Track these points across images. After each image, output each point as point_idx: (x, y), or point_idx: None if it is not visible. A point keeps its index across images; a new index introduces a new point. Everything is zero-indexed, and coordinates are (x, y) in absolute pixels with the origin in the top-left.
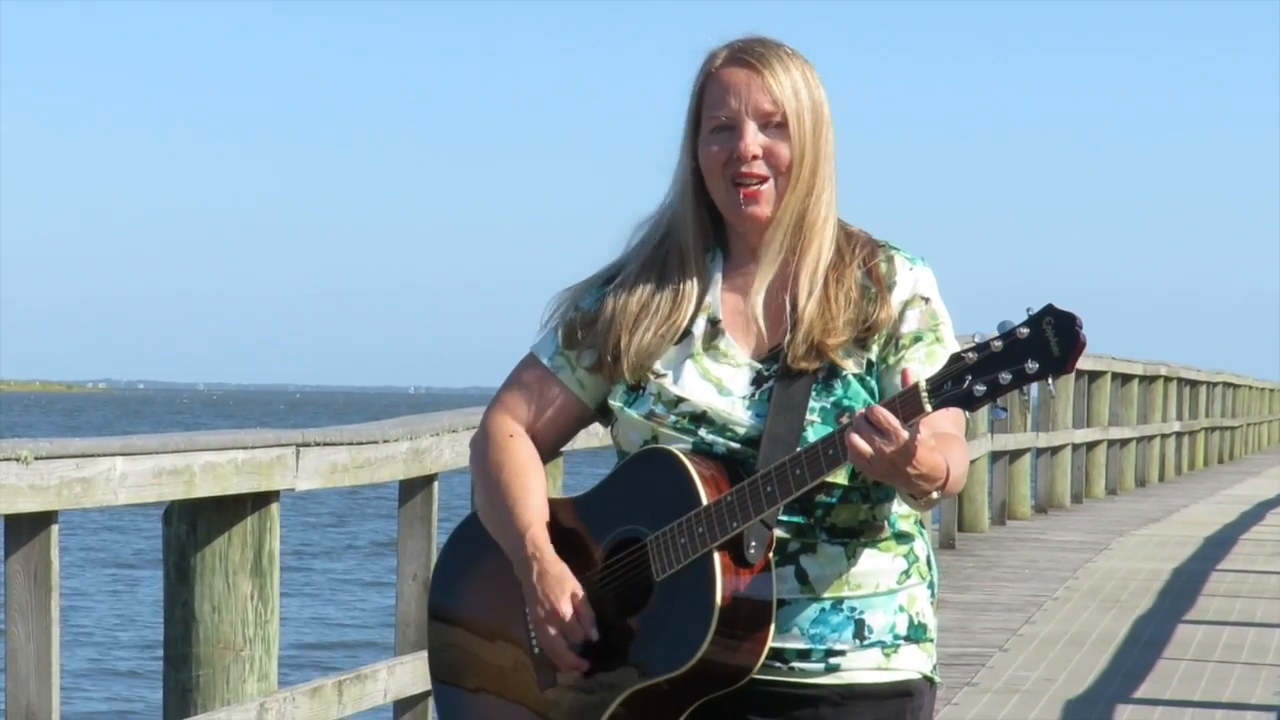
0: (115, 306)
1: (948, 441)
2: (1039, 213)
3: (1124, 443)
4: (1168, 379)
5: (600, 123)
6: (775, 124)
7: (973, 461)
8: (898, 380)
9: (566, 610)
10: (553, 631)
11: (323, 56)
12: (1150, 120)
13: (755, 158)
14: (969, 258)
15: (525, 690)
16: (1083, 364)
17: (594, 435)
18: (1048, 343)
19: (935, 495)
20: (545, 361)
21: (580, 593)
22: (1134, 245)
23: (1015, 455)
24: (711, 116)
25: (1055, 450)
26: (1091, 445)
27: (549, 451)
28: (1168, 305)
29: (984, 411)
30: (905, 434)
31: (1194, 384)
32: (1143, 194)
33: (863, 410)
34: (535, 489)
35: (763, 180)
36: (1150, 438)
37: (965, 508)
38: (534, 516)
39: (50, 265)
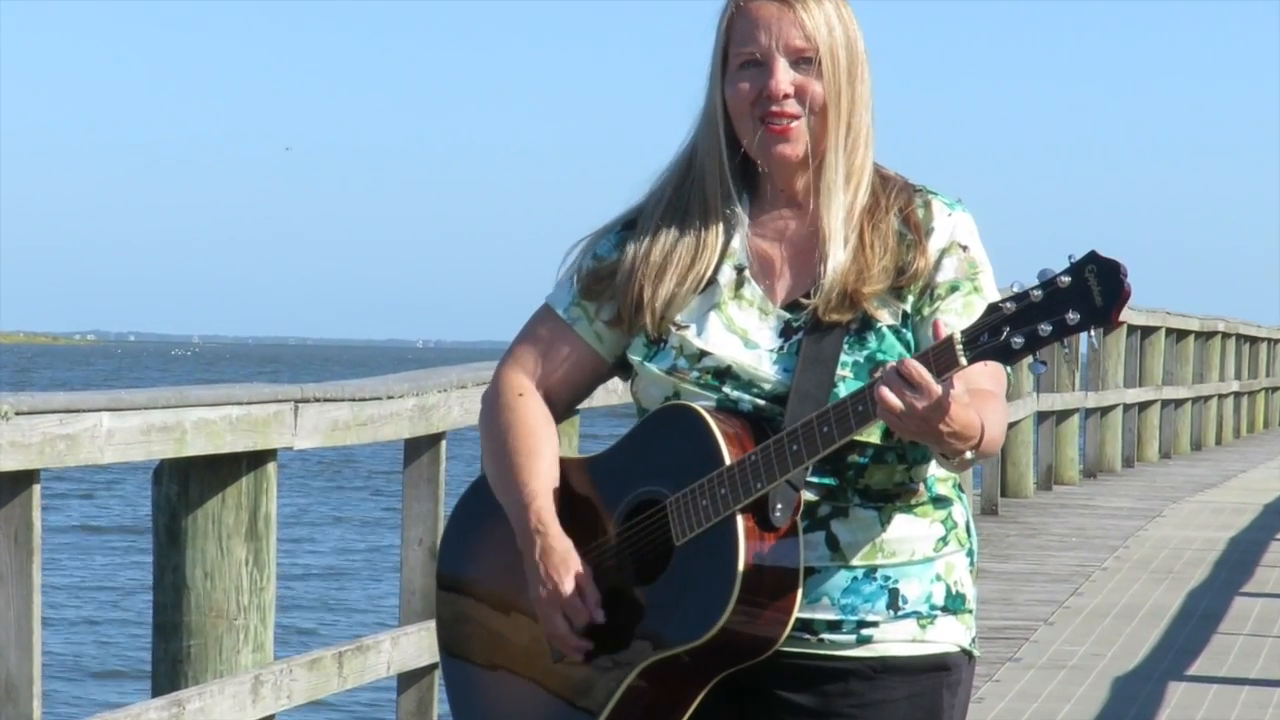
0: (105, 254)
1: (984, 399)
2: (1093, 159)
3: (1179, 403)
4: (1226, 335)
5: (622, 66)
6: (807, 61)
7: (1017, 422)
8: (931, 333)
9: (569, 590)
10: (554, 613)
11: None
12: (1211, 65)
13: (787, 96)
14: (1015, 204)
15: (538, 662)
16: (1135, 319)
17: (612, 392)
18: (1090, 292)
19: (969, 455)
20: (561, 313)
21: (585, 571)
22: (1193, 195)
23: (1063, 416)
24: (739, 52)
25: (1105, 411)
26: (1144, 406)
27: (564, 408)
28: (1226, 258)
29: (1030, 370)
30: (938, 389)
31: (1254, 341)
32: (1206, 143)
33: (893, 363)
34: (544, 452)
35: (794, 119)
36: (1207, 398)
37: (1009, 471)
38: (540, 485)
39: (36, 209)
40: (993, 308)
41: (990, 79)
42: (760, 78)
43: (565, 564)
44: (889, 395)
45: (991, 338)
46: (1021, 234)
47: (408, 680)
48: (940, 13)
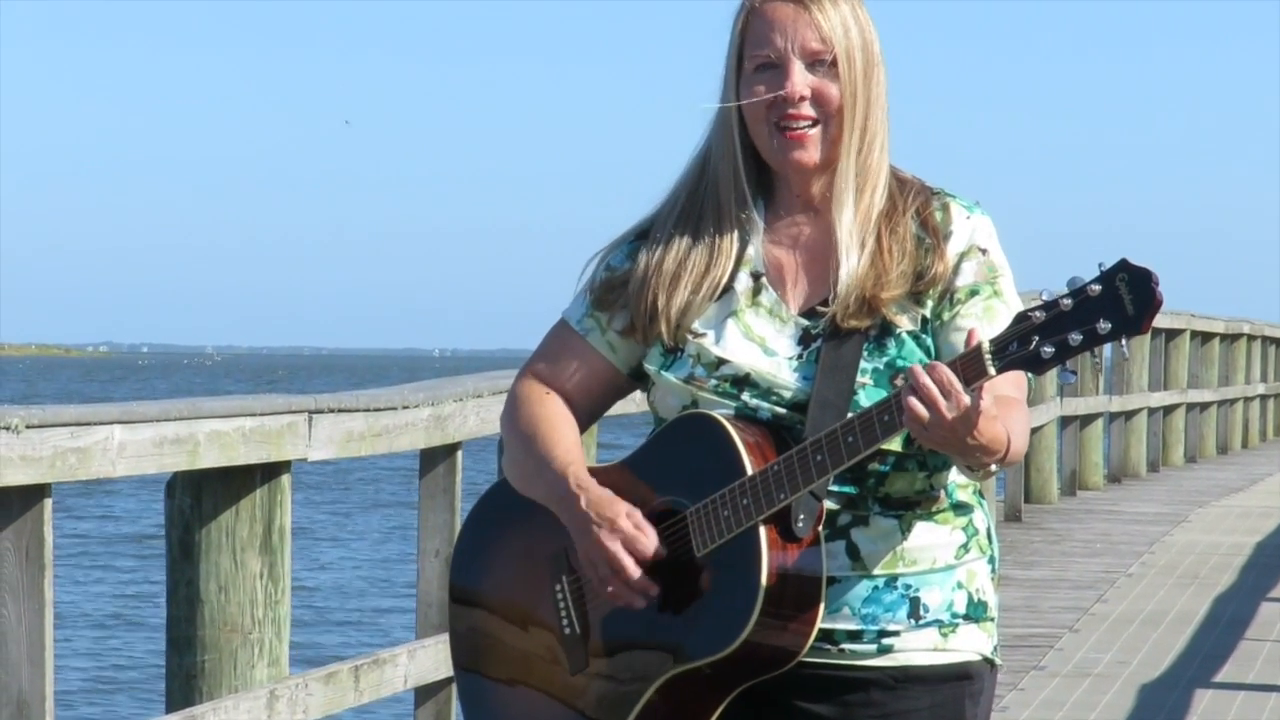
0: (117, 264)
1: (1008, 407)
2: (1116, 161)
3: (1204, 406)
4: (1251, 337)
5: (641, 73)
6: (823, 63)
7: (1041, 427)
8: (954, 339)
9: (625, 525)
10: (616, 552)
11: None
12: (1236, 61)
13: (803, 99)
14: (1035, 205)
15: (554, 677)
16: (1159, 322)
17: (629, 400)
18: (1121, 301)
19: (994, 468)
20: (574, 325)
21: (633, 509)
22: (1218, 195)
23: (1086, 420)
24: (755, 55)
25: (1130, 415)
26: (1169, 409)
27: (583, 420)
28: (1251, 259)
29: (1051, 374)
30: (967, 397)
31: None
32: (1231, 144)
33: (918, 365)
34: (570, 436)
35: (811, 123)
36: (1232, 401)
37: (1032, 477)
38: (573, 457)
39: (48, 220)
40: (1021, 316)
41: (1009, 77)
42: (776, 81)
43: (615, 504)
44: (917, 405)
45: (1020, 347)
46: (1043, 236)
47: (425, 694)
48: (957, 11)
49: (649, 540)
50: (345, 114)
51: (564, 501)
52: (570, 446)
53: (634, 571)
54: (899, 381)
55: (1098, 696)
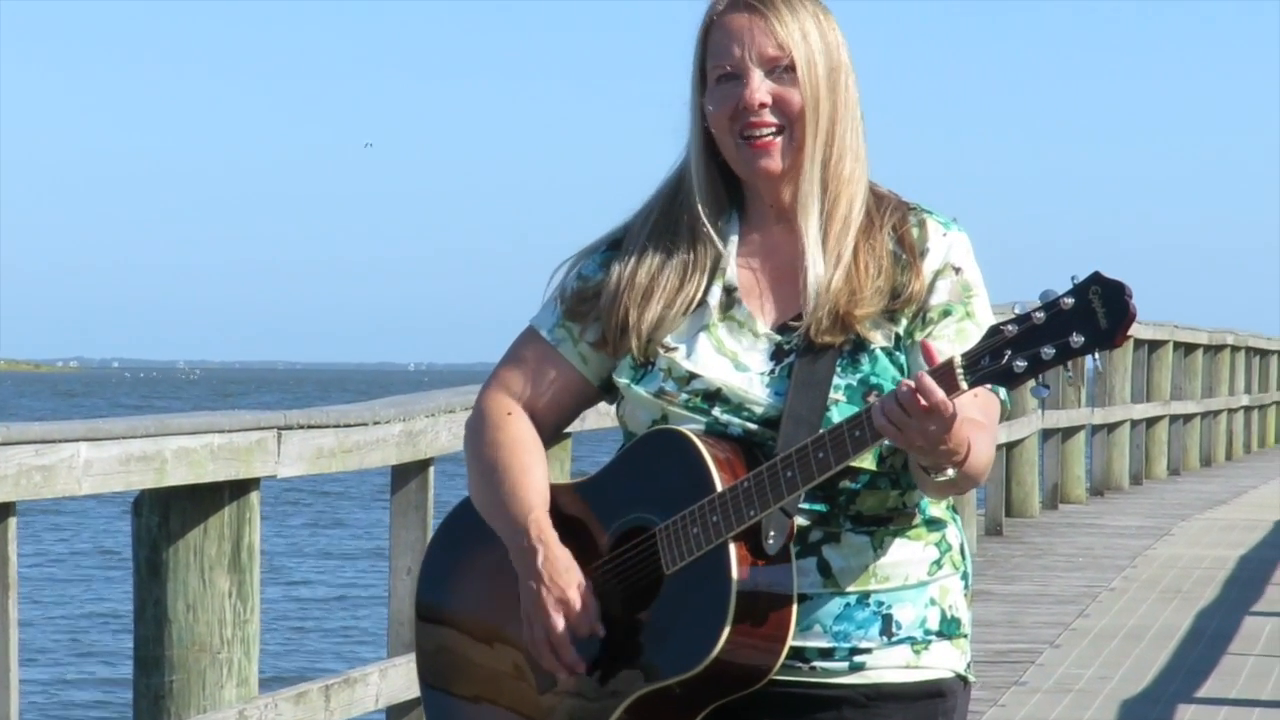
0: (86, 278)
1: (974, 428)
2: (1096, 169)
3: (1187, 418)
4: (1235, 348)
5: (615, 83)
6: (783, 69)
7: (1022, 440)
8: (921, 356)
9: (574, 599)
10: (556, 624)
11: (312, 12)
12: (1219, 70)
13: (763, 106)
14: (1014, 214)
15: (522, 696)
16: (1142, 333)
17: (605, 415)
18: (1094, 314)
19: (951, 473)
20: (545, 335)
21: (585, 583)
22: (1200, 205)
23: (1068, 433)
24: (716, 66)
25: (1112, 427)
26: (1152, 421)
27: (551, 432)
28: (1234, 268)
29: (1032, 394)
30: (951, 406)
31: (1264, 353)
32: (1213, 152)
33: (908, 381)
34: (536, 469)
35: (775, 130)
36: (1216, 413)
37: (1014, 491)
38: (535, 500)
39: (14, 233)
40: (994, 330)
41: (986, 84)
42: (736, 90)
43: (570, 573)
44: (896, 413)
45: (993, 361)
46: (1023, 246)
47: (397, 713)
48: (936, 13)
49: (588, 622)
50: (331, 128)
51: (521, 552)
52: (534, 485)
53: (567, 651)
54: (872, 398)
55: (1080, 712)
